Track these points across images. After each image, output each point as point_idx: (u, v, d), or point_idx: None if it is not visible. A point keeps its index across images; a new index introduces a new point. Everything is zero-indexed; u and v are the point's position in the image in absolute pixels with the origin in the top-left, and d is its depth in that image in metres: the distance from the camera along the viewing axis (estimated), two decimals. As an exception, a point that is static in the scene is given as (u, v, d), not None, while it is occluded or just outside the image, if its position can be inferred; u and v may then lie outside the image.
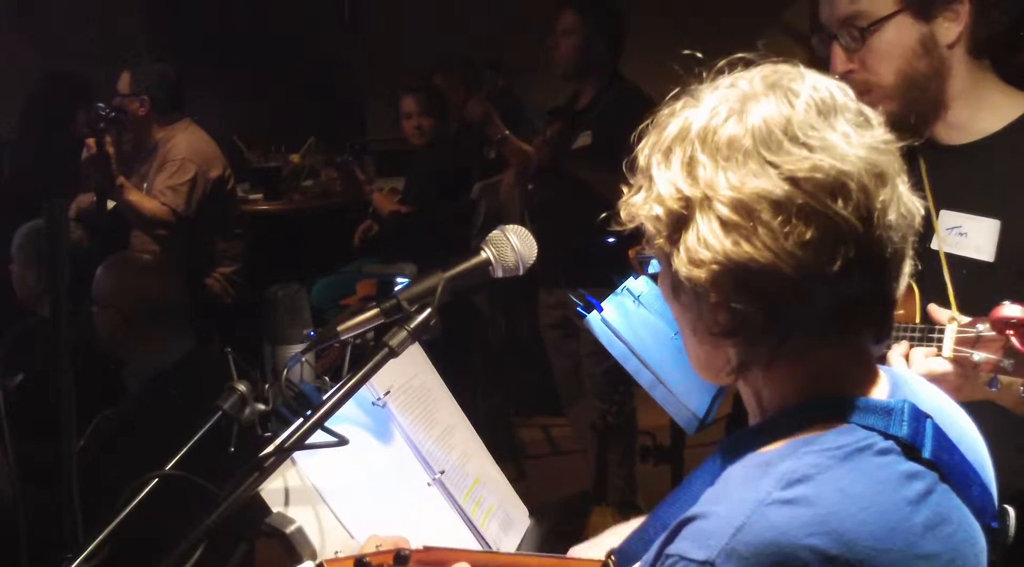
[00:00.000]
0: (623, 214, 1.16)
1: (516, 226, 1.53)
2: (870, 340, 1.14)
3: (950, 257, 1.83)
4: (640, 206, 1.13)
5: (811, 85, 1.10)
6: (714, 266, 1.06)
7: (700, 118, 1.10)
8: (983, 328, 1.55)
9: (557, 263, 3.98)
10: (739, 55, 1.16)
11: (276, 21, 6.90)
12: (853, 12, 1.82)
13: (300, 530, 1.29)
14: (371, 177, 6.05)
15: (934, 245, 1.86)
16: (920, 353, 1.62)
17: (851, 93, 1.12)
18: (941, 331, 1.61)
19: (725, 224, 1.05)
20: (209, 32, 6.60)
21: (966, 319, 1.60)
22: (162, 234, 4.58)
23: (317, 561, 1.29)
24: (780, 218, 1.04)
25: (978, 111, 1.87)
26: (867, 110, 1.12)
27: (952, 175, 1.87)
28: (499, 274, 1.51)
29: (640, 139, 1.15)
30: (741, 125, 1.07)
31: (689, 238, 1.08)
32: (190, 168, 4.61)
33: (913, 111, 1.84)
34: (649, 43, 5.08)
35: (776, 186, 1.04)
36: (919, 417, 1.11)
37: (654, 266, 1.21)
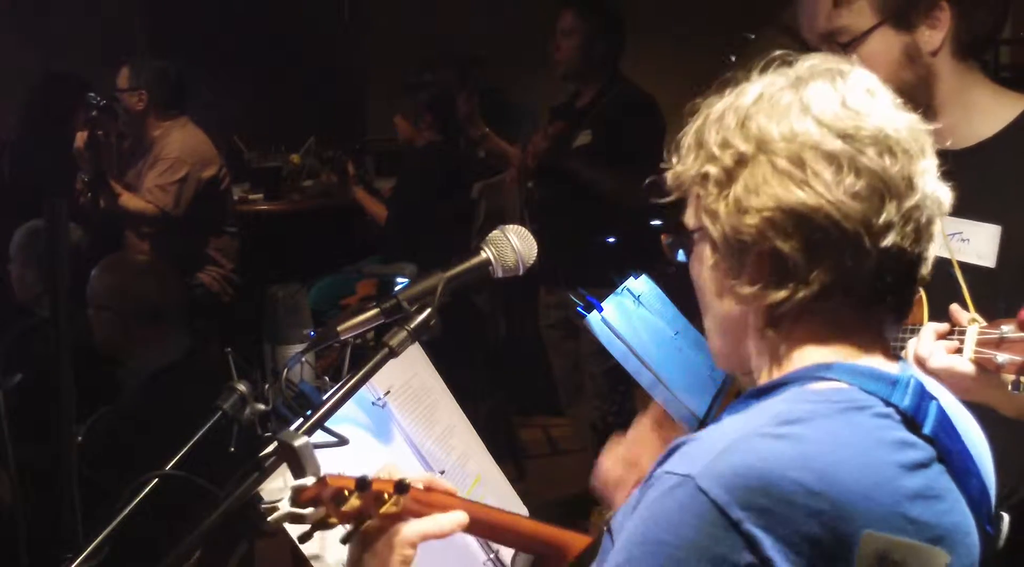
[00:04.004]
0: (670, 181, 1.19)
1: (516, 226, 1.53)
2: (891, 315, 1.17)
3: (958, 263, 1.82)
4: (688, 169, 1.17)
5: (856, 70, 1.17)
6: (765, 212, 1.10)
7: (754, 91, 1.15)
8: (1008, 330, 1.53)
9: (557, 263, 3.99)
10: (784, 52, 1.20)
11: (276, 21, 6.89)
12: (834, 28, 1.81)
13: (307, 444, 1.29)
14: (370, 177, 6.04)
15: (939, 251, 1.84)
16: (942, 348, 1.58)
17: (891, 92, 1.18)
18: (962, 333, 1.59)
19: (778, 171, 1.10)
20: (209, 32, 6.60)
21: (986, 323, 1.58)
22: (149, 232, 4.58)
23: (320, 475, 1.29)
24: (832, 168, 1.09)
25: (969, 114, 1.85)
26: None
27: (950, 180, 1.86)
28: (499, 274, 1.51)
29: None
30: (796, 95, 1.13)
31: (738, 188, 1.12)
32: (182, 167, 4.61)
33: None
34: (649, 43, 5.08)
35: (828, 140, 1.10)
36: (924, 394, 1.13)
37: (682, 256, 1.22)
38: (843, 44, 1.80)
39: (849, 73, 1.15)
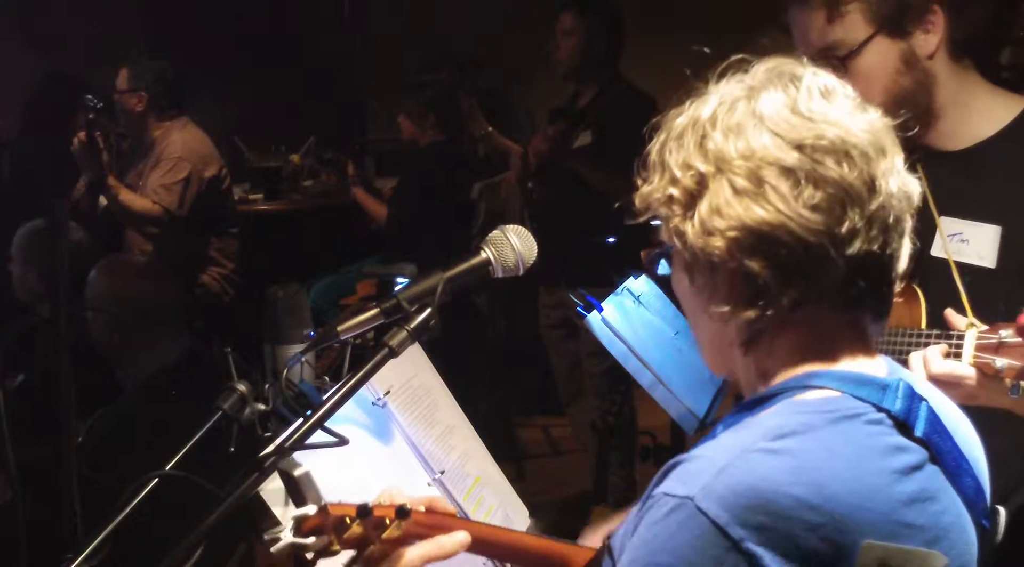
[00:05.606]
0: (638, 203, 1.20)
1: (516, 226, 1.53)
2: (870, 315, 1.17)
3: (957, 264, 1.82)
4: (654, 191, 1.17)
5: (812, 72, 1.17)
6: (729, 233, 1.11)
7: (709, 108, 1.16)
8: (1006, 334, 1.53)
9: (557, 263, 3.99)
10: (740, 56, 1.21)
11: (276, 21, 6.90)
12: (830, 42, 1.81)
13: (308, 474, 1.30)
14: (370, 177, 6.04)
15: (938, 252, 1.85)
16: (937, 353, 1.59)
17: (850, 88, 1.18)
18: (960, 338, 1.59)
19: (737, 191, 1.11)
20: (209, 32, 6.60)
21: (984, 326, 1.58)
22: (154, 233, 4.59)
23: (321, 504, 1.30)
24: (789, 182, 1.10)
25: (969, 115, 1.85)
26: (866, 103, 1.18)
27: (950, 182, 1.85)
28: (499, 274, 1.51)
29: (649, 140, 1.20)
30: (748, 109, 1.13)
31: (703, 209, 1.12)
32: (184, 167, 4.61)
33: (904, 125, 1.83)
34: (649, 43, 5.08)
35: (785, 153, 1.10)
36: (914, 396, 1.14)
37: (664, 267, 1.24)
38: (840, 58, 1.80)
39: (802, 76, 1.15)
